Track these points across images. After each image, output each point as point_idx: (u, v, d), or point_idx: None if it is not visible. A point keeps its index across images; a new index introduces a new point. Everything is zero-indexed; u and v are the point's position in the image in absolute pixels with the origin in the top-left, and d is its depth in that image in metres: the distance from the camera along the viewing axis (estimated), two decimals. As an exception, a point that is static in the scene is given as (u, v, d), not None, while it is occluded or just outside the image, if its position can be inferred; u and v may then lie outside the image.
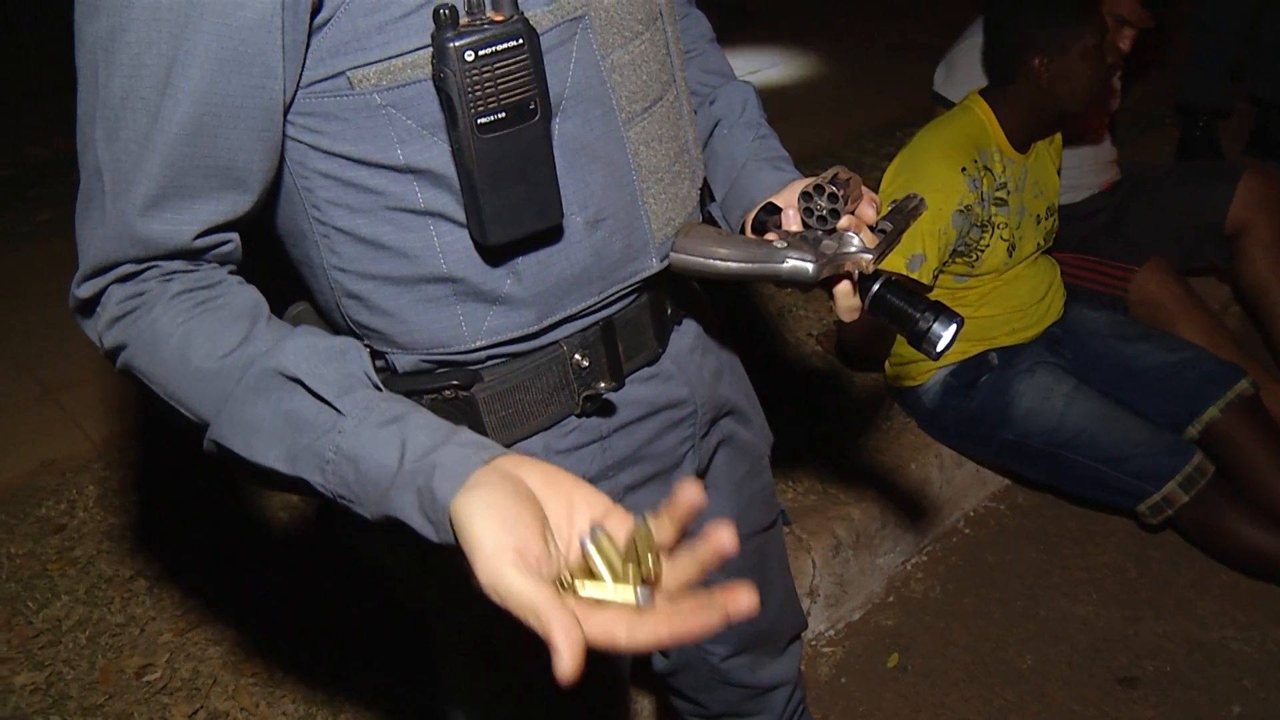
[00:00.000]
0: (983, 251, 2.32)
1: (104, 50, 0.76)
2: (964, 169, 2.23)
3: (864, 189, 1.03)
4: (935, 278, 2.27)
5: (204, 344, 0.80)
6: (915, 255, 2.18)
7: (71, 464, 2.57)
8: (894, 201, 1.10)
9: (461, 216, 0.87)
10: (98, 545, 2.33)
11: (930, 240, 2.19)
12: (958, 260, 2.32)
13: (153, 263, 0.81)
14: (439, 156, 0.85)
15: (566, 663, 0.60)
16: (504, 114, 0.81)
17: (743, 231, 1.08)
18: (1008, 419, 2.37)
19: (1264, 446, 2.32)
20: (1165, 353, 2.44)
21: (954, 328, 1.02)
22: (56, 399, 2.81)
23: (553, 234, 0.91)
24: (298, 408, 0.78)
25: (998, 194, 2.30)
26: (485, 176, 0.82)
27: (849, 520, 2.37)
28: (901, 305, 1.03)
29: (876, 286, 1.04)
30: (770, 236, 1.00)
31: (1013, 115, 2.32)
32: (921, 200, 1.12)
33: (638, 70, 0.95)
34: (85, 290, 0.82)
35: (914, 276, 2.20)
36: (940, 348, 1.02)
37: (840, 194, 0.99)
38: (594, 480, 1.03)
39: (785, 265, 0.95)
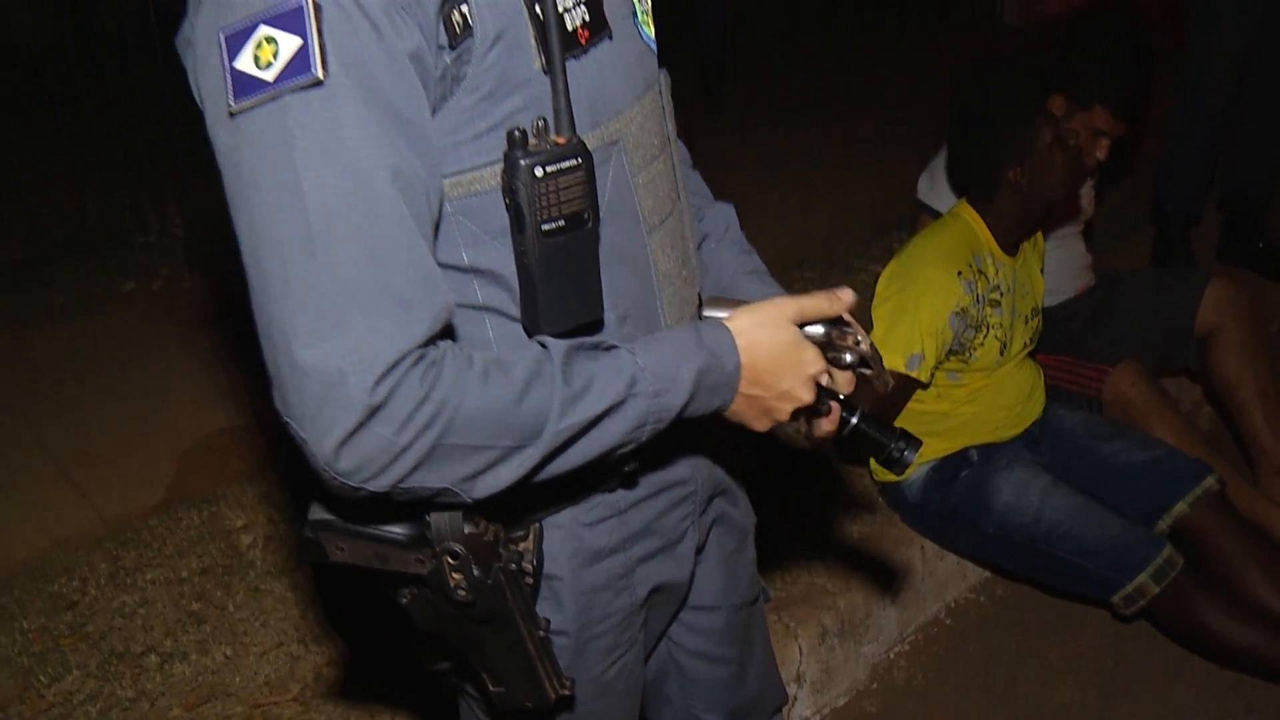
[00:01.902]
0: (977, 350, 2.44)
1: (299, 196, 0.84)
2: (960, 273, 2.37)
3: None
4: (932, 375, 2.39)
5: (509, 380, 0.91)
6: (914, 355, 2.31)
7: (84, 541, 2.66)
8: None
9: (515, 311, 0.99)
10: (109, 621, 2.40)
11: (929, 340, 2.32)
12: (952, 358, 2.44)
13: (425, 347, 0.88)
14: (500, 258, 0.97)
15: None
16: (563, 221, 0.94)
17: None
18: (987, 513, 2.47)
19: (1231, 540, 2.42)
20: (1137, 451, 2.56)
21: (916, 450, 1.20)
22: (69, 476, 2.90)
23: (593, 327, 1.02)
24: (606, 361, 0.96)
25: (991, 295, 2.44)
26: (544, 276, 0.95)
27: (835, 609, 2.46)
28: (877, 435, 1.20)
29: (854, 420, 1.19)
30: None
31: (1001, 221, 2.46)
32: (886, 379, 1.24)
33: (656, 187, 1.09)
34: (380, 393, 0.85)
35: (913, 375, 2.32)
36: (908, 468, 1.23)
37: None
38: (611, 552, 1.13)
39: (801, 328, 1.10)
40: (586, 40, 0.98)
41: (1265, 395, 2.93)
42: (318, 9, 0.82)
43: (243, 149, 0.85)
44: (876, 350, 1.17)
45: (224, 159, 0.87)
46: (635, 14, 1.08)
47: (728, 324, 1.06)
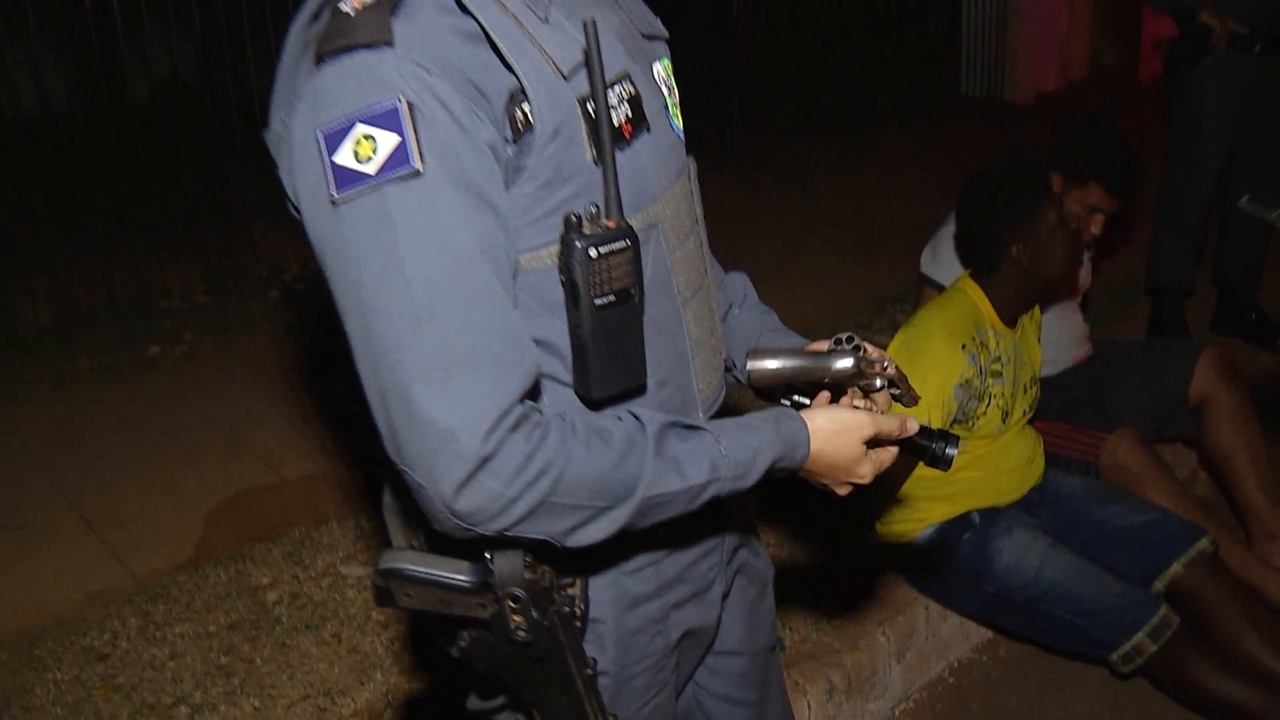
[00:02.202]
0: (980, 419, 2.54)
1: (407, 274, 0.95)
2: (963, 346, 2.48)
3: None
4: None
5: (609, 448, 1.02)
6: (921, 425, 2.41)
7: (114, 596, 2.75)
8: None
9: (567, 378, 1.09)
10: (140, 673, 2.49)
11: (935, 411, 2.43)
12: (957, 427, 2.54)
13: (524, 405, 0.99)
14: (555, 330, 1.07)
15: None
16: (614, 297, 1.05)
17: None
18: (989, 574, 2.56)
19: (1224, 601, 2.51)
20: (1133, 514, 2.65)
21: (956, 447, 1.37)
22: (100, 534, 2.99)
23: (636, 391, 1.13)
24: (694, 444, 1.09)
25: (993, 367, 2.55)
26: (596, 346, 1.05)
27: (841, 667, 2.54)
28: (919, 440, 1.35)
29: None
30: (815, 346, 1.32)
31: (1002, 295, 2.58)
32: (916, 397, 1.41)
33: (689, 263, 1.21)
34: (494, 441, 0.96)
35: None
36: (951, 463, 1.37)
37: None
38: (648, 598, 1.23)
39: (835, 363, 1.26)
40: (630, 134, 1.10)
41: (1258, 462, 3.04)
42: (412, 108, 0.94)
43: (347, 234, 0.96)
44: (901, 370, 1.32)
45: (325, 243, 0.99)
46: (667, 107, 1.20)
47: (808, 420, 1.20)
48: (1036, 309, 2.79)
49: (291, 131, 1.00)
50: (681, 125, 1.24)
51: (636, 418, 1.08)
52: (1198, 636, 2.47)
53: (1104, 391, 3.15)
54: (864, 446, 1.23)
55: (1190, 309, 4.11)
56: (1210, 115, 3.88)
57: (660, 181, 1.15)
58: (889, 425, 1.25)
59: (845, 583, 2.78)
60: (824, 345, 1.31)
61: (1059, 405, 3.09)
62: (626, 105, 1.10)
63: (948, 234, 3.07)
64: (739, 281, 1.48)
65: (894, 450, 1.29)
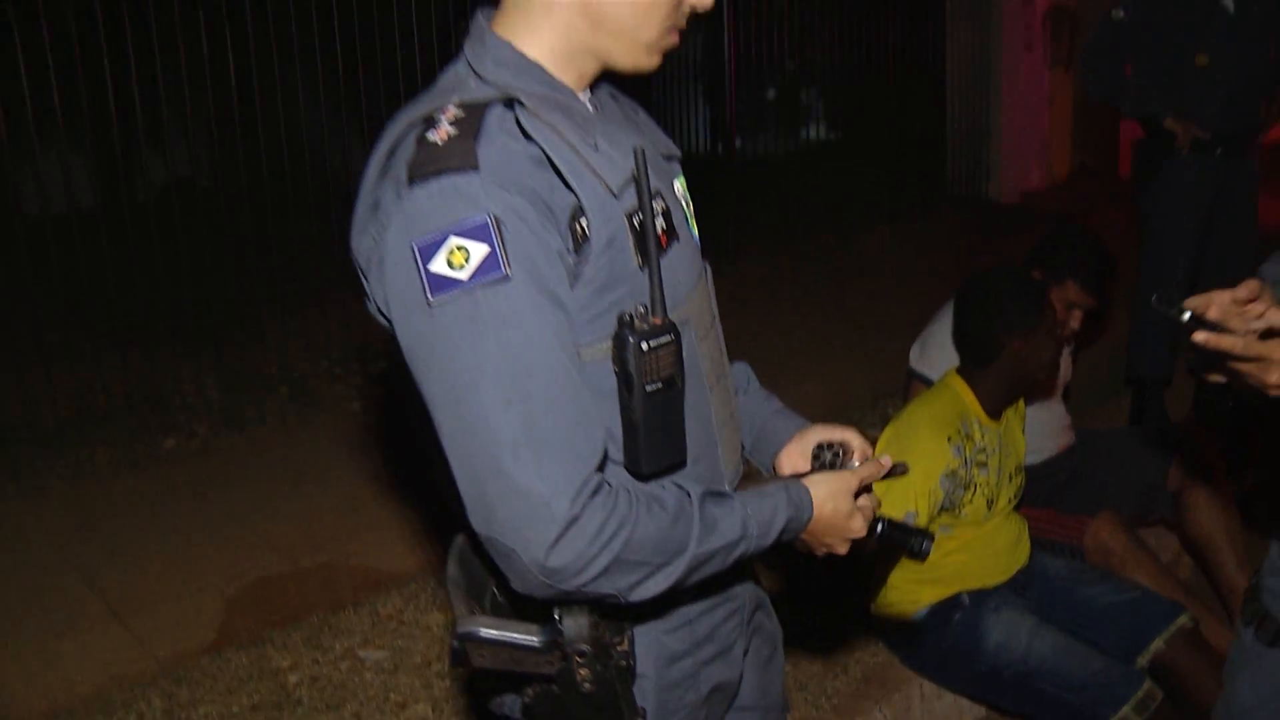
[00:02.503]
0: (966, 507, 2.68)
1: (500, 364, 1.10)
2: (949, 438, 2.63)
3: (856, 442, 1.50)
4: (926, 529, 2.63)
5: (665, 513, 1.17)
6: (910, 512, 2.55)
7: (139, 679, 2.85)
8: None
9: (617, 456, 1.24)
10: (166, 753, 2.58)
11: (922, 500, 2.57)
12: (944, 514, 2.68)
13: (599, 474, 1.14)
14: (607, 414, 1.22)
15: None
16: (661, 384, 1.20)
17: (774, 470, 1.53)
18: (980, 652, 2.68)
19: (1205, 674, 2.61)
20: (1116, 593, 2.78)
21: (933, 542, 1.52)
22: (123, 621, 3.10)
23: (678, 466, 1.28)
24: (726, 508, 1.25)
25: (978, 457, 2.69)
26: (647, 427, 1.20)
27: (842, 742, 2.64)
28: (901, 535, 1.50)
29: (881, 526, 1.48)
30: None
31: (988, 389, 2.74)
32: (904, 466, 1.57)
33: (712, 355, 1.38)
34: (578, 506, 1.10)
35: None
36: (927, 556, 1.52)
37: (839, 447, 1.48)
38: (684, 655, 1.36)
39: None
40: (665, 243, 1.27)
41: (1236, 546, 3.18)
42: (499, 223, 1.10)
43: (442, 332, 1.11)
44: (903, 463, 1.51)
45: (420, 340, 1.14)
46: (687, 219, 1.38)
47: (809, 487, 1.36)
48: (1021, 402, 2.95)
49: (384, 247, 1.15)
50: (697, 233, 1.41)
51: (680, 487, 1.23)
52: (1180, 709, 2.58)
53: (1086, 478, 3.30)
54: (854, 502, 1.40)
55: (1170, 399, 4.28)
56: (1178, 214, 4.10)
57: (688, 283, 1.32)
58: (868, 471, 1.43)
59: (842, 662, 2.89)
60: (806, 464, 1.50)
61: (1044, 492, 3.23)
62: (663, 218, 1.27)
63: (935, 331, 3.24)
64: (742, 370, 1.64)
65: (876, 499, 1.47)
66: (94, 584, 3.28)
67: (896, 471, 1.53)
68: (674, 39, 1.28)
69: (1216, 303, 1.45)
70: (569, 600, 1.20)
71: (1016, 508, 2.91)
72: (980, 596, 2.73)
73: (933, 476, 2.56)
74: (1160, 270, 4.19)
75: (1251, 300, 1.45)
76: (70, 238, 4.94)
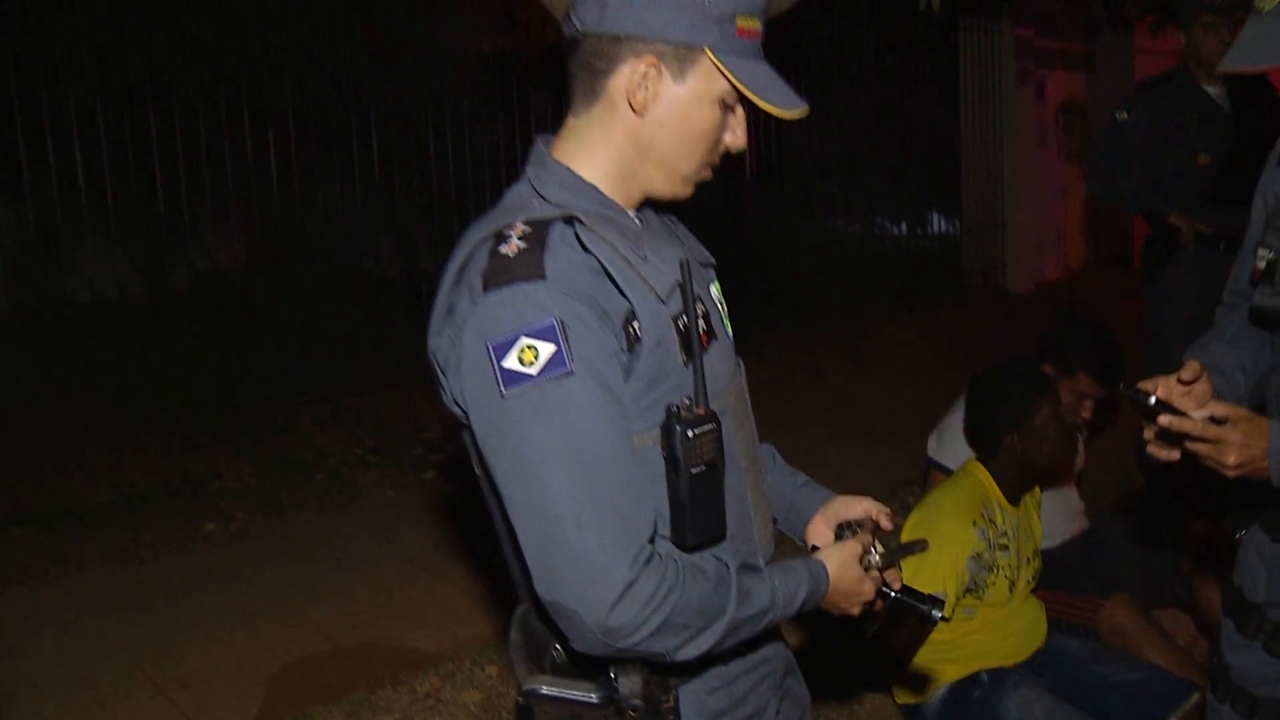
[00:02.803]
0: (989, 589, 2.79)
1: (565, 449, 1.25)
2: (974, 522, 2.76)
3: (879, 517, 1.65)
4: (952, 611, 2.74)
5: (707, 581, 1.31)
6: (938, 594, 2.66)
7: (189, 754, 2.95)
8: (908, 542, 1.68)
9: (666, 531, 1.38)
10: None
11: (950, 582, 2.69)
12: (968, 596, 2.79)
13: (649, 546, 1.29)
14: (657, 494, 1.36)
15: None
16: (704, 467, 1.35)
17: (805, 540, 1.69)
18: (999, 729, 2.77)
19: (1217, 752, 2.70)
20: (1131, 672, 2.86)
21: (942, 609, 1.63)
22: (169, 697, 3.21)
23: (718, 539, 1.42)
24: (758, 580, 1.39)
25: (1001, 541, 2.81)
26: (692, 505, 1.35)
27: (865, 818, 2.72)
28: (912, 602, 1.63)
29: (894, 593, 1.61)
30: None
31: (1004, 477, 2.87)
32: (925, 543, 1.71)
33: (747, 441, 1.53)
34: (634, 573, 1.24)
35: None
36: (936, 622, 1.64)
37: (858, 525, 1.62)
38: (722, 714, 1.48)
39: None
40: (706, 342, 1.43)
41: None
42: (564, 325, 1.26)
43: (514, 420, 1.27)
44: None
45: (494, 427, 1.29)
46: (723, 319, 1.54)
47: (825, 561, 1.51)
48: (1037, 488, 3.07)
49: (461, 345, 1.30)
50: (731, 332, 1.57)
51: (719, 559, 1.38)
52: (1195, 785, 2.66)
53: (1101, 561, 3.40)
54: (862, 569, 1.54)
55: (1182, 486, 4.37)
56: (1183, 306, 4.23)
57: (725, 377, 1.48)
58: (866, 540, 1.58)
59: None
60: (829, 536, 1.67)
61: (1059, 575, 3.33)
62: (703, 320, 1.43)
63: (952, 421, 3.37)
64: (767, 450, 1.78)
65: (886, 566, 1.59)
66: (139, 662, 3.40)
67: (916, 549, 1.67)
68: (708, 174, 1.46)
69: (1163, 385, 1.63)
70: (623, 659, 1.34)
71: (1034, 590, 3.02)
72: (999, 675, 2.82)
73: (960, 559, 2.68)
74: (1166, 361, 4.31)
75: (1194, 381, 1.63)
76: (116, 327, 5.16)
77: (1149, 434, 1.71)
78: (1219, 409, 1.62)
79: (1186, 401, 1.64)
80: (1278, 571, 1.88)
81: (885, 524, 1.65)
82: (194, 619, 3.67)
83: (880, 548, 1.59)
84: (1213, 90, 4.20)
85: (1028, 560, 2.89)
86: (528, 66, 6.25)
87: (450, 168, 6.08)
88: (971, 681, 2.84)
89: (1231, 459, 1.61)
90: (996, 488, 2.85)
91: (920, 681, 2.89)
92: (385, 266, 7.41)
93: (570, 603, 1.26)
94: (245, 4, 5.36)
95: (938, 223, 10.36)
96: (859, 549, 1.55)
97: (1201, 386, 1.65)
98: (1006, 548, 2.80)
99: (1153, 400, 1.62)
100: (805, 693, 1.74)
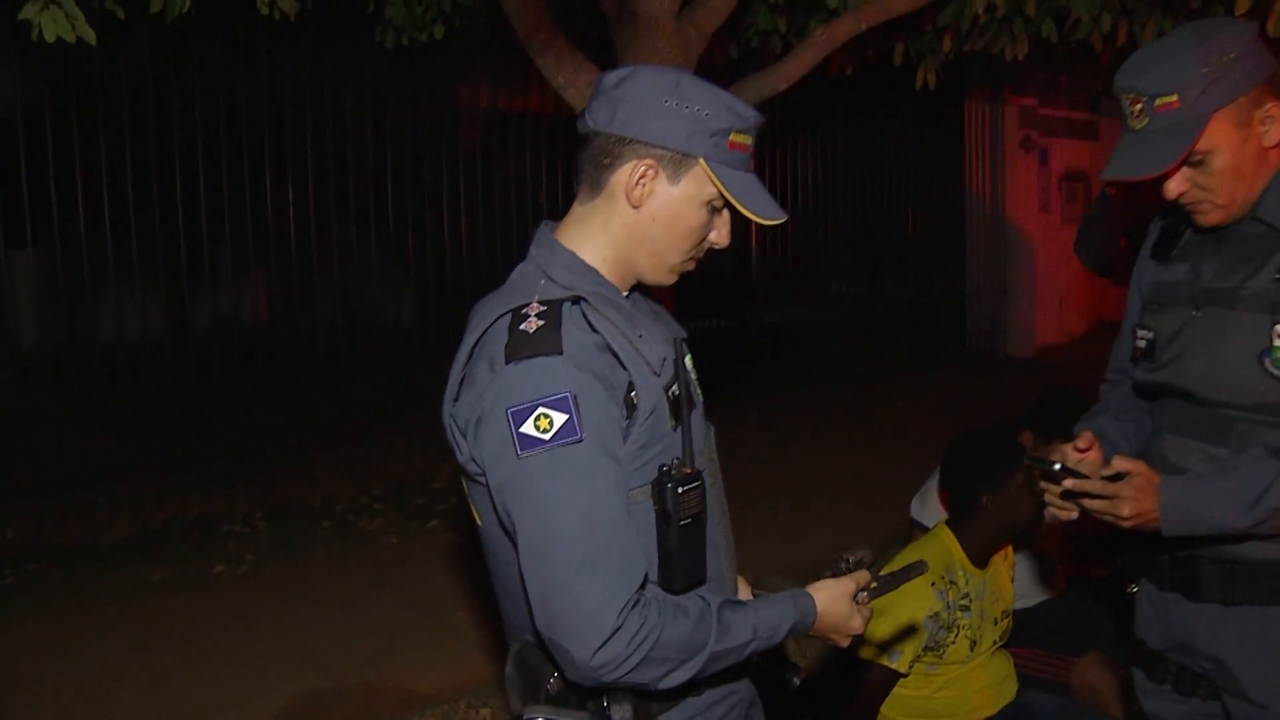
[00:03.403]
0: (949, 647, 2.92)
1: (571, 508, 1.42)
2: (934, 584, 2.88)
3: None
4: (910, 666, 2.87)
5: (688, 619, 1.47)
6: (895, 651, 2.80)
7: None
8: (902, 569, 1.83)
9: (655, 575, 1.54)
10: None
11: (908, 639, 2.82)
12: (928, 654, 2.92)
13: (638, 592, 1.43)
14: (646, 544, 1.52)
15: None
16: (691, 520, 1.52)
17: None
18: (970, 781, 2.89)
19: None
20: (1100, 728, 3.00)
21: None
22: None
23: (700, 583, 1.58)
24: (740, 614, 1.54)
25: (962, 602, 2.94)
26: (679, 553, 1.52)
27: None
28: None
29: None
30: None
31: (972, 540, 3.01)
32: (922, 563, 1.84)
33: (719, 496, 1.69)
34: (622, 618, 1.40)
35: (893, 666, 2.81)
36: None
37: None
38: None
39: None
40: (689, 409, 1.60)
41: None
42: (576, 398, 1.43)
43: (528, 479, 1.43)
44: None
45: (510, 484, 1.45)
46: (696, 388, 1.70)
47: (814, 593, 1.66)
48: (1010, 550, 3.21)
49: (482, 410, 1.47)
50: (702, 398, 1.74)
51: (703, 598, 1.53)
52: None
53: (1075, 621, 3.52)
54: (853, 605, 1.69)
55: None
56: None
57: (703, 439, 1.65)
58: (864, 577, 1.73)
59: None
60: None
61: (1037, 634, 3.45)
62: (687, 388, 1.60)
63: (933, 483, 3.52)
64: None
65: (869, 610, 1.74)
66: (150, 697, 3.54)
67: (914, 572, 1.82)
68: (691, 265, 1.65)
69: (1060, 452, 1.83)
70: (613, 689, 1.50)
71: (1009, 646, 3.14)
72: (968, 730, 2.95)
73: (917, 618, 2.81)
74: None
75: (1089, 448, 1.82)
76: (138, 370, 5.35)
77: (1050, 496, 1.91)
78: (1123, 463, 1.79)
79: (1083, 467, 1.82)
80: (1166, 618, 2.03)
81: None
82: (202, 656, 3.81)
83: (874, 584, 1.74)
84: None
85: (994, 621, 3.02)
86: (540, 127, 6.47)
87: (464, 222, 6.30)
88: (944, 736, 2.96)
89: (1126, 511, 1.78)
90: (961, 551, 2.98)
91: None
92: (399, 317, 7.64)
93: (564, 640, 1.42)
94: (271, 63, 5.60)
95: (942, 287, 10.54)
96: (853, 587, 1.70)
97: (1094, 454, 1.84)
98: (967, 608, 2.93)
99: (1057, 466, 1.81)
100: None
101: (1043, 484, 1.91)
